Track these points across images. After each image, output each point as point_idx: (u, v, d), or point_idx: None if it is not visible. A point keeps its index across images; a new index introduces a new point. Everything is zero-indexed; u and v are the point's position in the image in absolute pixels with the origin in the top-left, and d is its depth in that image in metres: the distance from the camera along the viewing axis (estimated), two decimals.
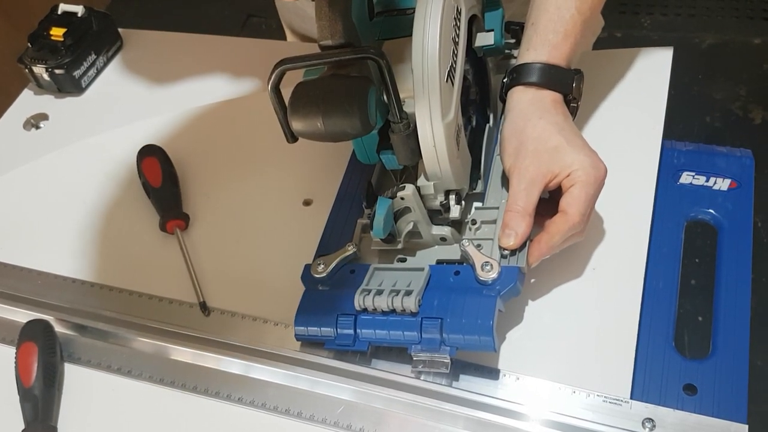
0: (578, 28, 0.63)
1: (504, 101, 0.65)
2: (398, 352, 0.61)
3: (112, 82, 0.92)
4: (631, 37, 1.96)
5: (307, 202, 0.75)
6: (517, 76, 0.63)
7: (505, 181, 0.63)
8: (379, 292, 0.58)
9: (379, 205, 0.58)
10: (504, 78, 0.65)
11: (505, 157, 0.62)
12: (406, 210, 0.60)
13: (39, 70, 0.87)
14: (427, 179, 0.58)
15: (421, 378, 0.59)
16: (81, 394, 0.64)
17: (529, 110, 0.62)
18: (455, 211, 0.61)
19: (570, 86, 0.63)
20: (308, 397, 0.61)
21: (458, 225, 0.63)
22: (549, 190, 0.60)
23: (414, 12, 0.53)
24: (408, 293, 0.57)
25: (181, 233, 0.73)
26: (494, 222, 0.62)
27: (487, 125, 0.68)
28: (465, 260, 0.60)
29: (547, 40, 0.63)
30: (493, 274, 0.57)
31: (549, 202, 0.61)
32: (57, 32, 0.88)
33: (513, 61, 0.73)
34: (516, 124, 0.62)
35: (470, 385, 0.59)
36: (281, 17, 1.04)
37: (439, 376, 0.59)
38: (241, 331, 0.65)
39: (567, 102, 0.63)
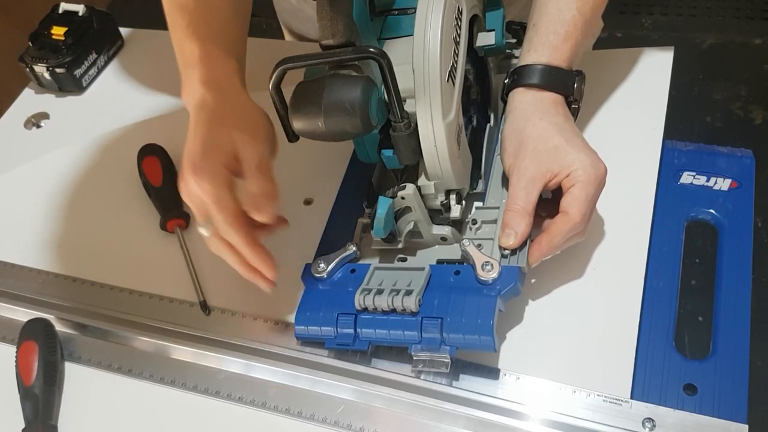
0: (579, 29, 0.63)
1: (505, 102, 0.65)
2: (398, 352, 0.61)
3: (113, 81, 0.92)
4: (631, 37, 1.96)
5: (307, 202, 0.75)
6: (518, 77, 0.63)
7: (506, 181, 0.63)
8: (380, 292, 0.58)
9: (379, 204, 0.58)
10: (505, 79, 0.65)
11: (505, 156, 0.62)
12: (407, 209, 0.60)
13: (40, 69, 0.87)
14: (428, 179, 0.58)
15: (422, 377, 0.59)
16: (81, 393, 0.65)
17: (529, 111, 0.62)
18: (456, 211, 0.61)
19: (571, 88, 0.63)
20: (308, 397, 0.61)
21: (459, 225, 0.63)
22: (549, 189, 0.60)
23: (415, 11, 0.53)
24: (408, 293, 0.57)
25: (181, 232, 0.73)
26: (495, 222, 0.62)
27: (488, 125, 0.68)
28: (465, 260, 0.60)
29: (548, 41, 0.63)
30: (494, 274, 0.57)
31: (550, 202, 0.61)
32: (58, 31, 0.88)
33: (514, 62, 0.74)
34: (516, 124, 0.62)
35: (470, 384, 0.59)
36: (279, 18, 1.04)
37: (439, 375, 0.59)
38: (241, 331, 0.65)
39: (568, 103, 0.63)
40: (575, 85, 0.63)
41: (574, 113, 0.64)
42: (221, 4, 0.65)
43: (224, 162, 0.56)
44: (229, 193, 0.56)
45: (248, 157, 0.57)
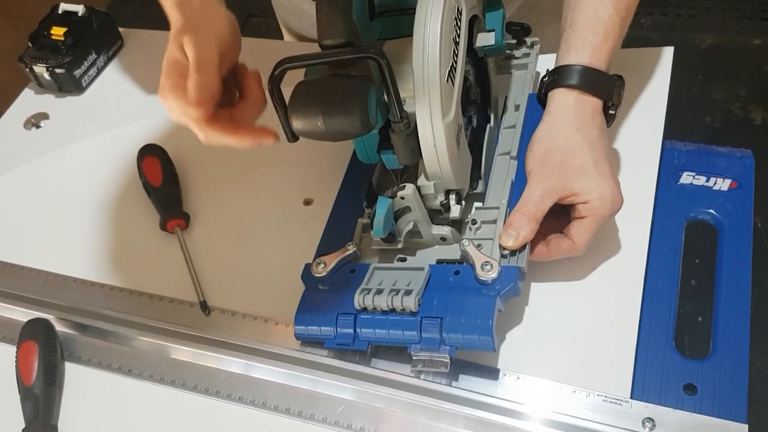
0: (617, 28, 0.63)
1: (542, 101, 0.65)
2: (398, 352, 0.61)
3: (113, 82, 0.92)
4: (631, 38, 1.94)
5: (307, 202, 0.75)
6: (559, 77, 0.63)
7: (507, 180, 0.64)
8: (379, 292, 0.58)
9: (379, 204, 0.58)
10: (543, 77, 0.65)
11: (531, 157, 0.62)
12: (407, 209, 0.60)
13: (40, 69, 0.87)
14: (428, 179, 0.58)
15: (421, 377, 0.59)
16: (81, 393, 0.65)
17: (568, 117, 0.61)
18: (455, 211, 0.61)
19: (611, 93, 0.63)
20: (308, 397, 0.61)
21: (458, 225, 0.63)
22: (561, 203, 0.60)
23: (414, 12, 0.53)
24: (408, 293, 0.57)
25: (181, 232, 0.73)
26: (494, 222, 0.62)
27: (488, 125, 0.68)
28: (465, 260, 0.60)
29: (588, 41, 0.63)
30: (493, 274, 0.57)
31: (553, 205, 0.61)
32: (57, 32, 0.88)
33: (514, 62, 0.73)
34: (551, 128, 0.61)
35: (470, 384, 0.59)
36: (278, 16, 1.04)
37: (438, 375, 0.59)
38: (241, 331, 0.65)
39: (606, 108, 0.63)
40: (615, 90, 0.63)
41: (610, 119, 0.64)
42: None
43: (179, 74, 0.57)
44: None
45: (190, 59, 0.57)
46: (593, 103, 0.62)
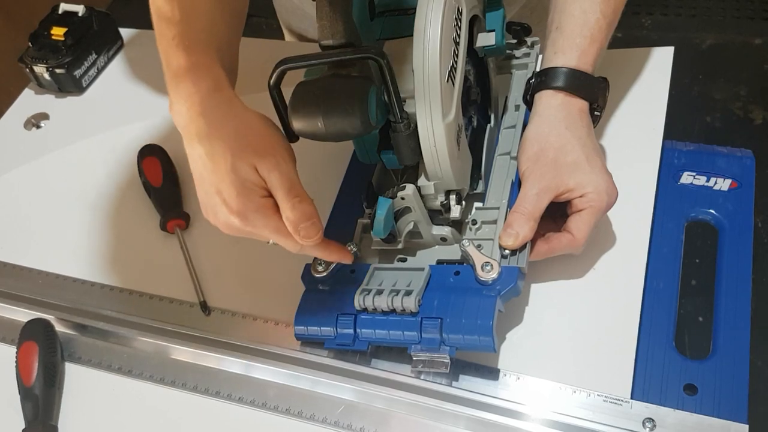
0: (603, 32, 0.63)
1: (528, 102, 0.65)
2: (398, 352, 0.61)
3: (113, 82, 0.92)
4: (631, 37, 1.96)
5: None
6: (546, 79, 0.63)
7: (507, 180, 0.64)
8: (379, 292, 0.58)
9: (379, 204, 0.58)
10: (531, 79, 0.65)
11: (523, 158, 0.62)
12: (407, 210, 0.60)
13: (40, 69, 0.87)
14: (428, 179, 0.58)
15: (421, 378, 0.59)
16: (81, 394, 0.65)
17: (557, 117, 0.62)
18: (456, 211, 0.61)
19: (596, 95, 0.63)
20: (308, 397, 0.61)
21: (458, 225, 0.63)
22: (558, 201, 0.60)
23: (415, 12, 0.53)
24: (408, 293, 0.57)
25: (181, 233, 0.73)
26: (495, 222, 0.62)
27: (488, 126, 0.68)
28: (465, 260, 0.60)
29: (575, 44, 0.63)
30: (493, 275, 0.57)
31: (551, 206, 0.61)
32: (58, 32, 0.88)
33: (515, 62, 0.73)
34: (541, 129, 0.62)
35: (471, 384, 0.59)
36: (279, 17, 1.04)
37: (439, 375, 0.59)
38: (241, 331, 0.65)
39: (591, 110, 0.64)
40: (600, 93, 0.64)
41: (595, 121, 0.65)
42: (208, 8, 0.60)
43: (260, 194, 0.54)
44: (281, 220, 0.54)
45: (277, 184, 0.53)
46: (580, 104, 0.63)
